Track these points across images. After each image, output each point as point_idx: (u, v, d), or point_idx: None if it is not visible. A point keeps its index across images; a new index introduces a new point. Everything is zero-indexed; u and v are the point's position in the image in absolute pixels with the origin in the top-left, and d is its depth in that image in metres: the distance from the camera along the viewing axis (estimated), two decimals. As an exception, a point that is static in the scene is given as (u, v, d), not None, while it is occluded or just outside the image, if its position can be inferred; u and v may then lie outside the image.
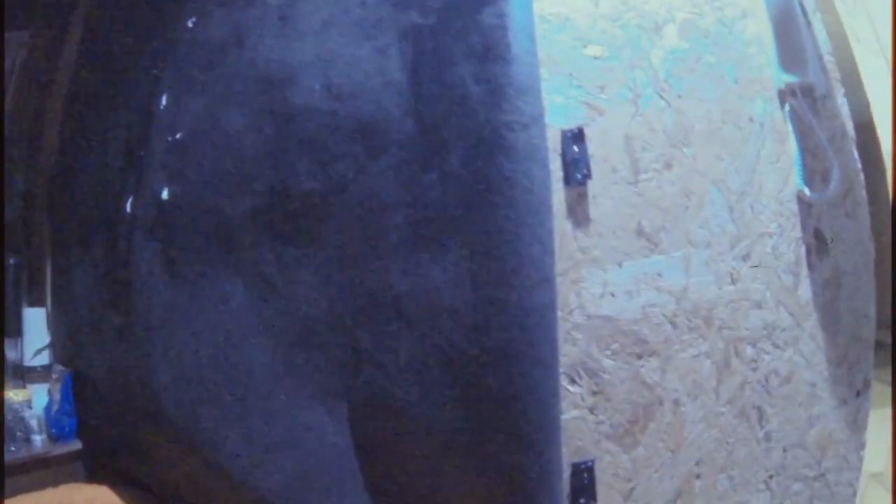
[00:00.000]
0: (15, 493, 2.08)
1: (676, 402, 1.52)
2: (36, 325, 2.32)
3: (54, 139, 2.50)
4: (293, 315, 1.43)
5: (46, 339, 2.31)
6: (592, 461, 1.45)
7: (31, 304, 2.39)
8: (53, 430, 2.21)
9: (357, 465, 1.45)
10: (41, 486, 2.12)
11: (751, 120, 1.65)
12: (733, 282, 1.56)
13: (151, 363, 1.61)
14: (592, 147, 1.43)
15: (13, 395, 2.23)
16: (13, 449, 2.16)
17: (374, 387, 1.36)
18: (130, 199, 1.67)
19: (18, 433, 2.18)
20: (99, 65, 2.34)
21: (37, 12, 2.82)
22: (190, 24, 1.79)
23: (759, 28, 1.70)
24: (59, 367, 2.21)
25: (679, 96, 1.55)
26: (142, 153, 1.68)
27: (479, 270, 1.24)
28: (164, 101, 1.69)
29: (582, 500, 1.45)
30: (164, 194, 1.56)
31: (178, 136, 1.58)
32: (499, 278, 1.23)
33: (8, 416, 2.18)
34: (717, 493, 1.59)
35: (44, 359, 2.30)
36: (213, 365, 1.52)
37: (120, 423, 2.02)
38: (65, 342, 2.27)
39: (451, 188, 1.27)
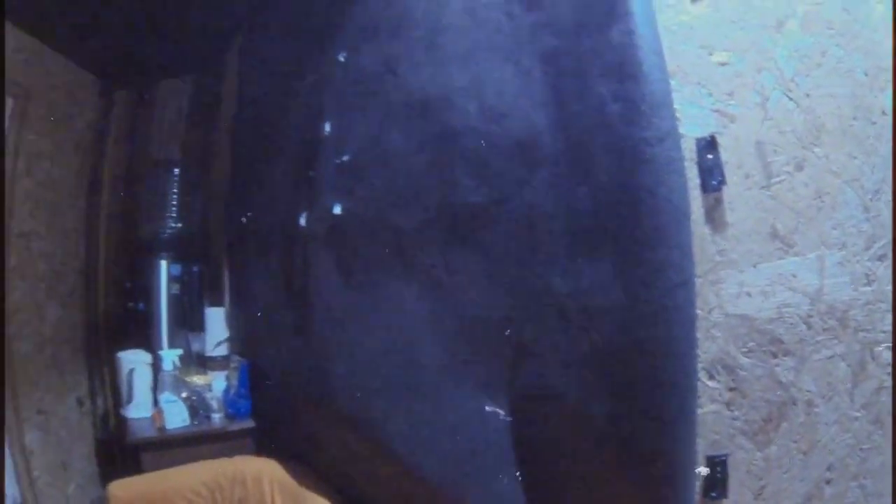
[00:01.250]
0: (195, 459, 2.36)
1: (810, 403, 1.50)
2: (216, 321, 2.62)
3: (224, 166, 2.81)
4: (461, 313, 1.54)
5: (225, 334, 2.60)
6: (727, 456, 1.48)
7: (212, 304, 2.70)
8: (230, 410, 2.48)
9: (512, 451, 1.55)
10: (217, 455, 2.39)
11: (883, 113, 1.56)
12: (869, 283, 1.51)
13: (327, 356, 1.78)
14: (725, 154, 1.45)
15: (197, 380, 2.53)
16: (196, 423, 2.46)
17: (534, 377, 1.45)
18: (304, 215, 1.87)
19: (201, 411, 2.47)
20: (257, 101, 2.59)
21: (195, 63, 3.19)
22: (341, 59, 1.95)
23: (886, 9, 1.56)
24: (237, 358, 2.49)
25: (807, 95, 1.52)
26: (311, 174, 1.86)
27: (628, 273, 1.30)
28: (327, 127, 1.86)
29: (713, 494, 1.48)
30: (337, 209, 1.73)
31: (345, 157, 1.73)
32: (644, 280, 1.29)
33: (193, 397, 2.48)
34: (847, 502, 1.55)
35: (222, 350, 2.59)
36: (386, 358, 1.66)
37: (291, 407, 2.24)
38: (243, 337, 2.54)
39: (600, 199, 1.34)
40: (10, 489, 2.73)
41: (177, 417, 2.39)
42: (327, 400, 1.85)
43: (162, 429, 2.40)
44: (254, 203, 2.39)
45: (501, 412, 1.52)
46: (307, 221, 1.86)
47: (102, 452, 3.28)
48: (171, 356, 2.52)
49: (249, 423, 2.46)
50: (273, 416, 2.37)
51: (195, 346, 2.64)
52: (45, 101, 3.00)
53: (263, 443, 2.44)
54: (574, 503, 1.52)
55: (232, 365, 2.51)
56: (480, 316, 1.51)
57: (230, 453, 2.40)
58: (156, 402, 2.52)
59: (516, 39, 1.54)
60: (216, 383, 2.53)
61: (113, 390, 3.32)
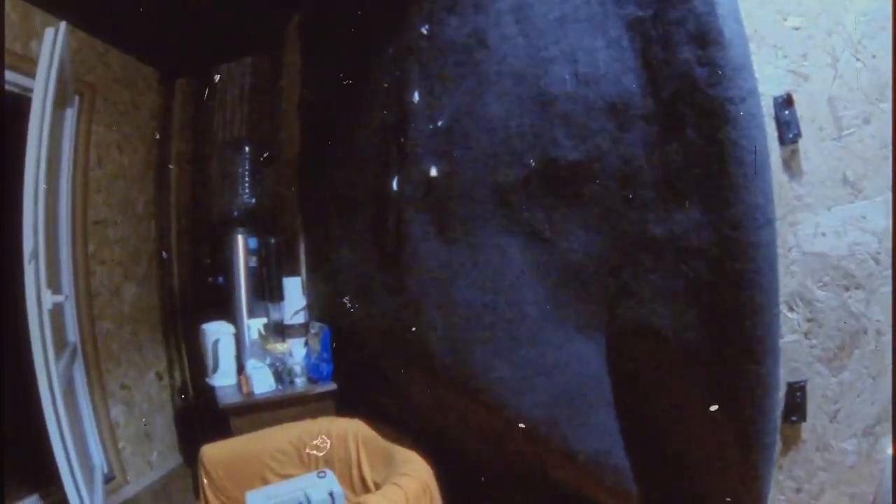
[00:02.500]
0: (280, 421, 2.68)
1: (879, 332, 1.76)
2: (294, 291, 2.93)
3: (293, 140, 3.09)
4: (561, 261, 1.84)
5: (303, 302, 2.91)
6: (805, 381, 1.76)
7: (289, 275, 3.00)
8: (312, 374, 2.80)
9: (609, 387, 1.84)
10: (301, 417, 2.70)
11: (945, 70, 1.81)
12: (931, 222, 1.77)
13: (426, 313, 2.06)
14: (800, 109, 1.72)
15: (278, 347, 2.84)
16: (280, 387, 2.77)
17: (631, 313, 1.75)
18: (396, 179, 2.14)
19: (285, 376, 2.78)
20: (325, 75, 2.86)
21: (253, 43, 3.49)
22: (424, 31, 2.22)
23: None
24: (318, 324, 2.79)
25: (873, 56, 1.76)
26: (402, 140, 2.14)
27: (717, 216, 1.58)
28: (416, 96, 2.14)
29: (793, 418, 1.77)
30: (433, 171, 2.01)
31: (439, 123, 2.02)
32: (732, 222, 1.57)
33: (276, 363, 2.79)
34: (912, 422, 1.80)
35: (300, 318, 2.90)
36: (488, 309, 1.95)
37: (378, 365, 2.52)
38: (325, 303, 2.82)
39: (690, 153, 1.62)
40: (97, 459, 3.07)
41: (263, 383, 2.71)
42: (425, 355, 2.13)
43: (249, 394, 2.71)
44: (332, 172, 2.66)
45: (598, 352, 1.80)
46: (400, 185, 2.13)
47: (181, 421, 3.66)
48: (256, 325, 2.83)
49: (331, 386, 2.77)
50: (357, 377, 2.66)
51: (274, 316, 2.94)
52: (109, 95, 3.35)
53: (346, 403, 2.74)
54: (667, 430, 1.80)
55: (312, 331, 2.81)
56: (580, 262, 1.81)
57: (314, 415, 2.74)
58: (240, 370, 2.83)
59: (603, 10, 1.82)
60: (296, 350, 2.85)
61: (191, 363, 3.68)
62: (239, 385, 2.79)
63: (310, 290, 2.92)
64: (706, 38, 1.64)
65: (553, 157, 1.80)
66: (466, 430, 2.27)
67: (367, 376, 2.62)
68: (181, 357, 3.76)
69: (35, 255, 2.48)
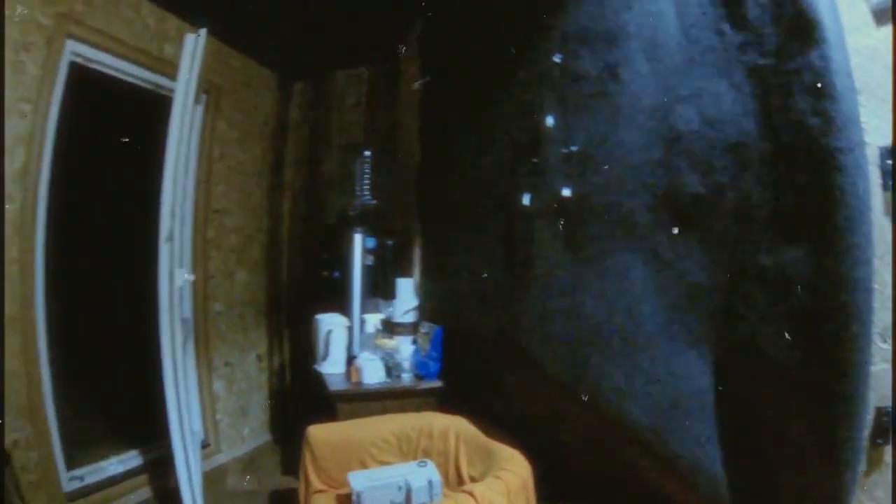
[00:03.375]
0: (385, 412, 3.20)
1: None
2: (406, 291, 3.44)
3: (410, 147, 3.62)
4: (679, 282, 2.30)
5: (414, 302, 3.41)
6: (892, 408, 2.14)
7: (403, 276, 3.52)
8: (420, 371, 3.30)
9: (712, 400, 2.28)
10: (404, 410, 3.21)
11: None
12: None
13: (550, 320, 2.53)
14: (902, 159, 2.13)
15: (387, 342, 3.36)
16: (388, 380, 3.27)
17: (738, 333, 2.19)
18: (528, 196, 2.62)
19: (393, 371, 3.28)
20: (447, 88, 3.36)
21: (370, 52, 4.06)
22: (557, 60, 2.70)
23: None
24: (429, 324, 3.30)
25: None
26: (535, 161, 2.62)
27: (822, 252, 2.01)
28: (549, 120, 2.62)
29: (879, 441, 2.15)
30: (567, 192, 2.49)
31: (573, 148, 2.50)
32: (835, 258, 1.98)
33: (386, 359, 3.30)
34: None
35: (410, 317, 3.40)
36: (608, 320, 2.42)
37: (488, 367, 2.98)
38: (436, 305, 3.31)
39: (800, 195, 2.06)
40: (197, 426, 3.69)
41: (374, 374, 3.22)
42: (541, 361, 2.60)
43: (358, 383, 3.22)
44: (455, 184, 3.16)
45: (706, 368, 2.23)
46: (532, 201, 2.61)
47: (275, 402, 4.31)
48: (373, 320, 3.35)
49: (436, 384, 3.26)
50: (464, 376, 3.14)
51: (386, 313, 3.46)
52: (232, 95, 4.00)
53: (449, 401, 3.22)
54: (761, 445, 2.21)
55: (422, 330, 3.31)
56: (696, 284, 2.27)
57: (417, 409, 3.21)
58: (349, 361, 3.35)
59: (727, 56, 2.26)
60: (403, 346, 3.35)
61: (292, 349, 4.30)
62: (347, 374, 3.31)
63: (422, 291, 3.41)
64: (821, 90, 2.05)
65: (678, 189, 2.28)
66: (569, 432, 2.73)
67: (475, 377, 3.09)
68: (282, 343, 4.39)
69: (171, 238, 3.06)
